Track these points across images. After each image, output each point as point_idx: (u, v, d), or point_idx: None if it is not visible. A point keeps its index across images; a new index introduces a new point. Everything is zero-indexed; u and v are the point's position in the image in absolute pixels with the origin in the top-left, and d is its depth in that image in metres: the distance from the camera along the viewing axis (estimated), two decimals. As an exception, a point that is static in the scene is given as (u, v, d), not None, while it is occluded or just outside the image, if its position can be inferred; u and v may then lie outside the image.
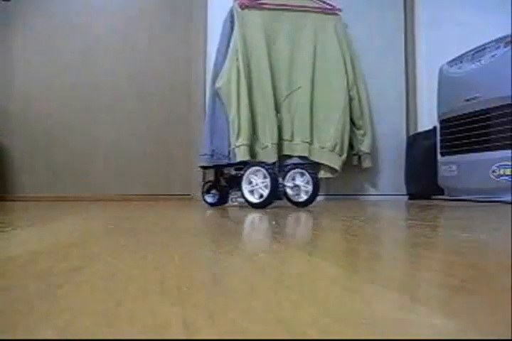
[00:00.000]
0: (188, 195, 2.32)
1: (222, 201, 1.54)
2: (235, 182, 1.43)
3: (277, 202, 1.39)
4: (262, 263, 0.37)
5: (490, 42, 1.82)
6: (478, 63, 1.84)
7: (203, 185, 1.62)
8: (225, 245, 0.51)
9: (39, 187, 2.26)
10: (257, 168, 1.34)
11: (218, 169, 1.61)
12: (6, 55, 2.30)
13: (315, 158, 2.14)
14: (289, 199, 1.44)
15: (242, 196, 1.36)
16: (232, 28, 2.17)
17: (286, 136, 2.15)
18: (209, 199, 1.57)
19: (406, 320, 0.21)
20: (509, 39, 1.71)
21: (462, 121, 1.91)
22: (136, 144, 2.34)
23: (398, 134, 2.47)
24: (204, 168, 2.19)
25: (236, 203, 1.52)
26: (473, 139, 1.85)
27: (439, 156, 2.10)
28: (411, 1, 2.53)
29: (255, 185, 1.33)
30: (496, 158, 1.72)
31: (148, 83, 2.37)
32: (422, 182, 2.25)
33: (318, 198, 2.37)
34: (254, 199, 1.33)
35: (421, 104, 2.49)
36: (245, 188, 1.35)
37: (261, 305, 0.23)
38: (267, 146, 2.07)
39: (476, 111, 1.82)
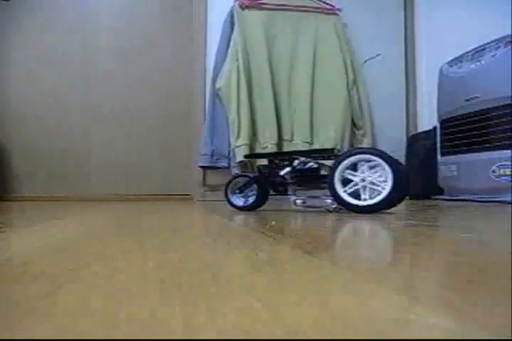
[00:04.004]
0: (188, 195, 2.32)
1: (259, 203, 1.18)
2: (306, 179, 1.11)
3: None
4: None
5: (490, 42, 1.82)
6: (478, 63, 1.84)
7: (231, 181, 1.22)
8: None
9: (38, 187, 2.26)
10: (364, 156, 0.99)
11: (272, 158, 1.21)
12: (5, 56, 2.30)
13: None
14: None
15: (335, 197, 1.02)
16: (232, 28, 2.17)
17: (286, 135, 2.15)
18: (239, 200, 1.20)
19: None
20: (509, 39, 1.71)
21: (462, 121, 1.91)
22: (136, 144, 2.34)
23: (398, 134, 2.47)
24: (204, 167, 2.19)
25: (297, 206, 1.14)
26: (473, 139, 1.84)
27: (439, 156, 2.10)
28: (411, 1, 2.53)
29: (360, 181, 0.99)
30: (496, 158, 1.71)
31: (148, 83, 2.36)
32: (422, 182, 2.25)
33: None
34: (353, 200, 1.00)
35: (421, 104, 2.49)
36: (338, 186, 1.01)
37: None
38: (266, 146, 2.07)
39: (476, 111, 1.82)
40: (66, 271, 0.34)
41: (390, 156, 0.99)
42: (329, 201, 1.06)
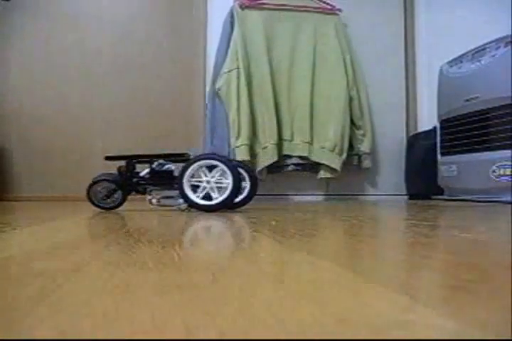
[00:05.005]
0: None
1: (121, 203, 1.26)
2: (162, 180, 1.19)
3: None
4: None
5: (490, 42, 1.82)
6: (478, 63, 1.83)
7: (92, 184, 1.25)
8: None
9: (39, 187, 2.26)
10: (208, 161, 1.10)
11: (131, 162, 1.26)
12: (5, 55, 2.29)
13: (315, 158, 2.14)
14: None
15: (184, 197, 1.10)
16: (232, 28, 2.17)
17: (286, 136, 2.15)
18: (103, 203, 1.25)
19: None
20: (509, 39, 1.71)
21: (462, 121, 1.91)
22: (135, 144, 2.34)
23: (398, 134, 2.47)
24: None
25: (153, 206, 1.22)
26: (473, 139, 1.84)
27: (439, 156, 2.10)
28: (411, 1, 2.53)
29: (203, 183, 1.10)
30: (496, 158, 1.71)
31: (148, 83, 2.36)
32: (422, 182, 2.25)
33: (318, 198, 2.38)
34: (200, 200, 1.09)
35: (421, 104, 2.49)
36: (187, 188, 1.10)
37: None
38: (266, 146, 2.07)
39: (476, 111, 1.82)
40: (67, 271, 0.34)
41: (230, 161, 1.12)
42: (181, 200, 1.13)
